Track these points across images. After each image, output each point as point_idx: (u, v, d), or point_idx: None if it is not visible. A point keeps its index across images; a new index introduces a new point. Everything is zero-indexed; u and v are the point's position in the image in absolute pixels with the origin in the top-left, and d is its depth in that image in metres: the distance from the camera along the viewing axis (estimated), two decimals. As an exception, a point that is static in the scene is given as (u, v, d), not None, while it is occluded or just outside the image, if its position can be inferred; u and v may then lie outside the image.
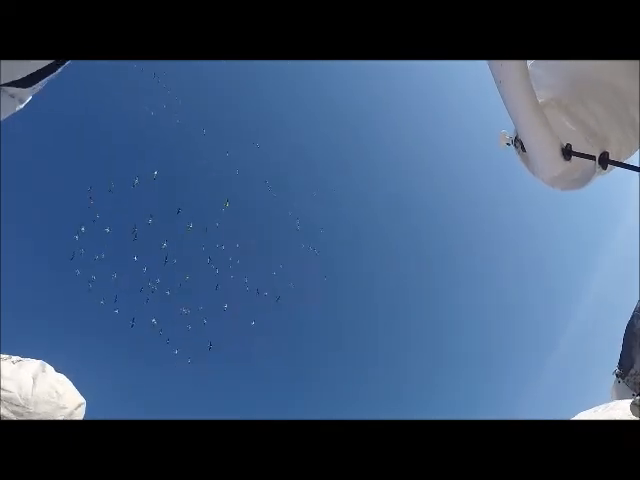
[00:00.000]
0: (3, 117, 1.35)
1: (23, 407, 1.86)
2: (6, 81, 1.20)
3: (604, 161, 1.76)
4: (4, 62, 1.12)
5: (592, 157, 1.76)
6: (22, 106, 1.36)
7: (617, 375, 6.79)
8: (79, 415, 2.00)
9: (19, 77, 1.19)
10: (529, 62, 1.59)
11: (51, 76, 1.30)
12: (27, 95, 1.35)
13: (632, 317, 7.20)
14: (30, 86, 1.28)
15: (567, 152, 1.72)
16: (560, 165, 1.73)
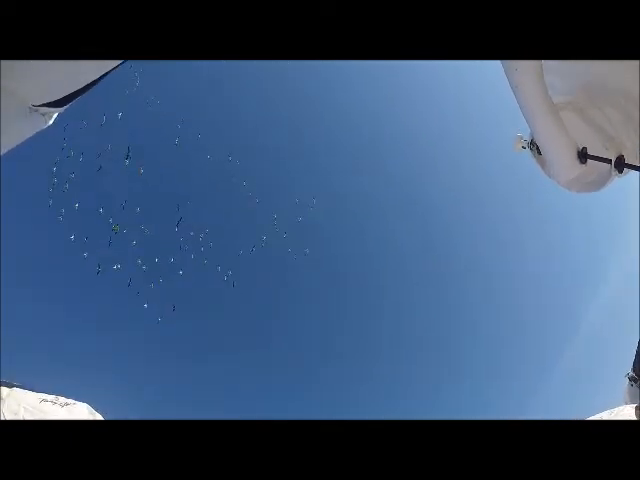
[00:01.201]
0: (32, 133, 1.38)
1: None
2: (41, 102, 1.23)
3: (620, 165, 1.76)
4: (40, 84, 1.16)
5: (608, 160, 1.75)
6: (51, 122, 1.39)
7: (630, 379, 6.65)
8: None
9: (54, 99, 1.23)
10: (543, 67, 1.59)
11: (81, 96, 1.32)
12: (55, 112, 1.37)
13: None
14: (63, 106, 1.31)
15: (583, 155, 1.72)
16: (576, 168, 1.73)
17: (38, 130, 1.37)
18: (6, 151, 1.40)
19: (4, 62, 0.99)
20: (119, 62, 1.19)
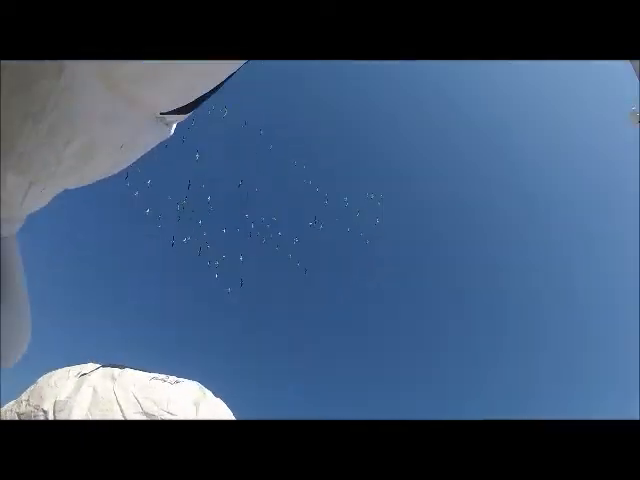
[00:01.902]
0: (156, 144, 1.41)
1: None
2: (168, 110, 1.23)
3: None
4: (168, 92, 1.13)
5: None
6: (172, 132, 1.42)
7: None
8: None
9: (181, 105, 1.23)
10: None
11: (204, 102, 1.30)
12: (175, 121, 1.38)
13: None
14: (187, 113, 1.32)
15: None
16: None
17: (162, 140, 1.42)
18: (133, 162, 1.43)
19: (132, 71, 1.03)
20: (241, 64, 1.17)
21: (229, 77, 1.17)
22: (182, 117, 1.30)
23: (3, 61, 0.99)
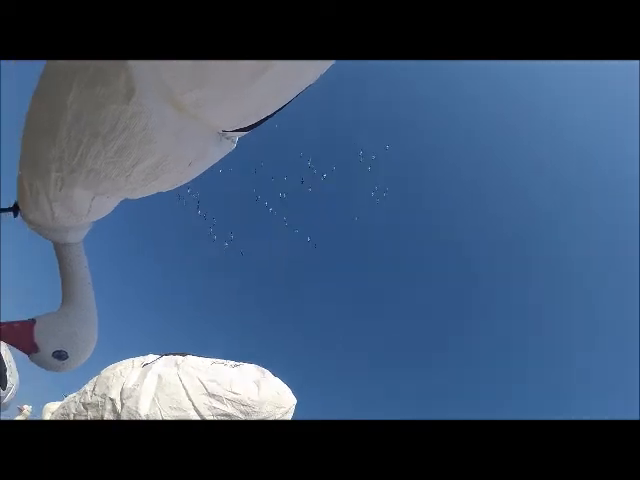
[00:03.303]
0: (221, 157, 1.44)
1: (250, 407, 2.09)
2: (232, 129, 1.26)
3: None
4: (233, 114, 1.16)
5: None
6: (234, 145, 1.45)
7: None
8: (290, 413, 2.23)
9: (246, 125, 1.25)
10: None
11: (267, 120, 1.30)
12: (238, 136, 1.40)
13: None
14: (250, 130, 1.33)
15: None
16: None
17: (226, 154, 1.44)
18: (199, 174, 1.46)
19: (199, 97, 1.05)
20: (307, 86, 1.17)
21: (294, 99, 1.21)
22: (244, 133, 1.36)
23: (67, 83, 1.01)
